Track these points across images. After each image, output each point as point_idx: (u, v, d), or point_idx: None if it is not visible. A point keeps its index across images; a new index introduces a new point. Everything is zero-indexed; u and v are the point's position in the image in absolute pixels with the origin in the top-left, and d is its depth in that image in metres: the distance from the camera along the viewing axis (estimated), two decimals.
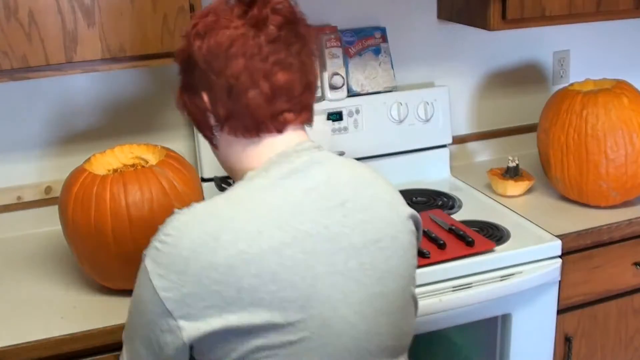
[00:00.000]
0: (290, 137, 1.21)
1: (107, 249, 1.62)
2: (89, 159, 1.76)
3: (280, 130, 1.20)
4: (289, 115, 1.20)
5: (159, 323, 1.10)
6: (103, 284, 1.71)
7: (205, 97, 1.21)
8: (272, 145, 1.20)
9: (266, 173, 1.17)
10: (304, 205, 1.14)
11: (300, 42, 1.20)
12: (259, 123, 1.18)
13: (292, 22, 1.20)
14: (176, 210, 1.14)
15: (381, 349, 1.19)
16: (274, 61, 1.16)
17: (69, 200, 1.63)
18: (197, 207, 1.14)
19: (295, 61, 1.19)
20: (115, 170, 1.75)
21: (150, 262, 1.11)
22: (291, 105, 1.19)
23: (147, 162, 1.78)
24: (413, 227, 1.27)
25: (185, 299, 1.07)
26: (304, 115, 1.23)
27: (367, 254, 1.16)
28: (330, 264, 1.12)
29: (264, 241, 1.09)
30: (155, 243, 1.12)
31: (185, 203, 1.69)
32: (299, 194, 1.15)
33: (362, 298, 1.15)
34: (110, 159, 1.78)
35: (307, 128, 1.27)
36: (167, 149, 1.81)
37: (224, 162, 1.30)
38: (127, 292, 1.66)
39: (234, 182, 2.02)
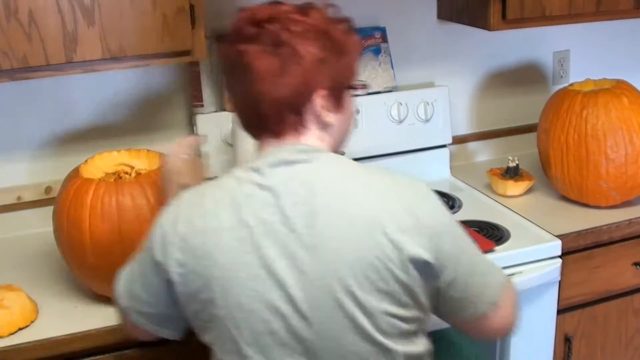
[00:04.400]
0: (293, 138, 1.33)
1: None
2: (77, 169, 1.71)
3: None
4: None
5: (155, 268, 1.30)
6: None
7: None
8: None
9: (246, 164, 1.32)
10: (253, 198, 1.25)
11: None
12: None
13: None
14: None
15: (298, 342, 1.24)
16: None
17: (83, 214, 1.58)
18: (185, 194, 1.34)
19: None
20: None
21: (153, 228, 1.32)
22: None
23: (132, 169, 1.75)
24: (392, 253, 1.21)
25: (176, 258, 1.27)
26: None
27: (297, 259, 1.21)
28: (259, 257, 1.22)
29: (210, 220, 1.24)
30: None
31: None
32: (254, 187, 1.26)
33: (279, 297, 1.22)
34: (91, 168, 1.73)
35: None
36: (150, 151, 1.80)
37: None
38: None
39: None
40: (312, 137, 1.33)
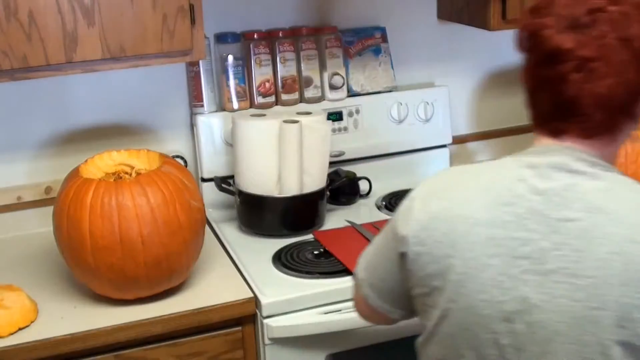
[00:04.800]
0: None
1: (134, 258, 1.58)
2: (77, 169, 1.72)
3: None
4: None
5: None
6: (120, 297, 1.66)
7: None
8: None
9: (520, 155, 1.21)
10: (521, 199, 1.12)
11: None
12: None
13: None
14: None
15: None
16: None
17: (83, 214, 1.58)
18: (446, 173, 1.29)
19: None
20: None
21: (405, 199, 1.25)
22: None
23: (132, 169, 1.76)
24: None
25: (417, 234, 1.18)
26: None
27: (552, 280, 1.07)
28: (507, 263, 1.09)
29: (464, 208, 1.14)
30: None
31: (196, 198, 1.70)
32: (523, 186, 1.13)
33: (517, 312, 1.09)
34: (91, 168, 1.74)
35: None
36: (150, 151, 1.80)
37: None
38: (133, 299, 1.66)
39: (233, 182, 2.03)
40: (618, 143, 1.18)
